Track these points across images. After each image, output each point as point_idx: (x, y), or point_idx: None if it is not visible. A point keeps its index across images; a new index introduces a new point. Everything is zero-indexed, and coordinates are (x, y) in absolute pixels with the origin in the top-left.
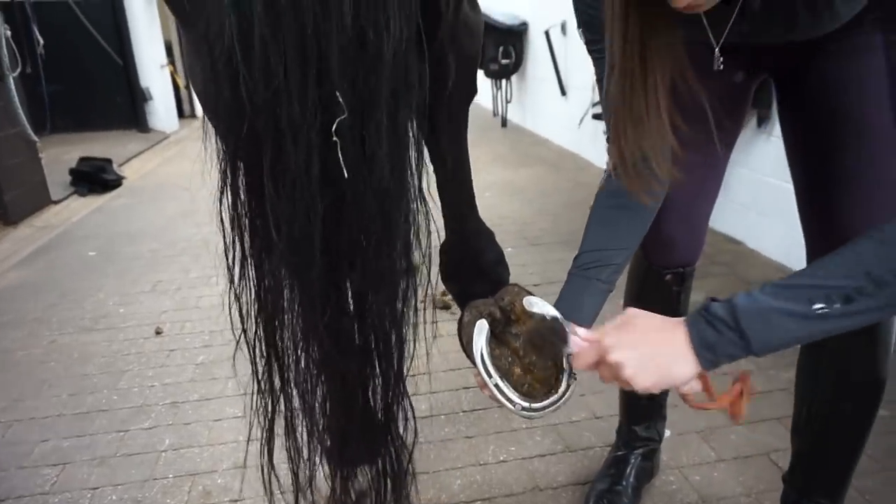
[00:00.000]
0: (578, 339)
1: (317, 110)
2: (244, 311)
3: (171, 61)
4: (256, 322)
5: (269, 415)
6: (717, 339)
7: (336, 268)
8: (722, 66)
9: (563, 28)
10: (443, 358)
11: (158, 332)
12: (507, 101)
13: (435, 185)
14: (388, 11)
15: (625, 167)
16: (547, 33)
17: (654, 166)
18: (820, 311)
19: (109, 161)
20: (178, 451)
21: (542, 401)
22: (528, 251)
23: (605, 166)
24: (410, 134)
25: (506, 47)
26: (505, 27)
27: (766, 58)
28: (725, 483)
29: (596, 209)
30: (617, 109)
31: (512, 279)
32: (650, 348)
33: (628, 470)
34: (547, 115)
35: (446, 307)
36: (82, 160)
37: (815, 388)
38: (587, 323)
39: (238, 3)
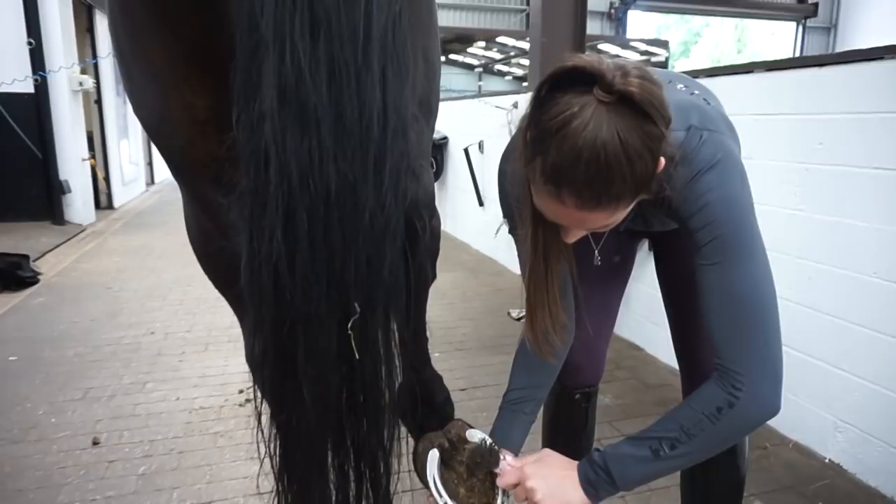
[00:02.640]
0: (506, 463)
1: (336, 308)
2: (271, 452)
3: (93, 154)
4: (280, 459)
5: None
6: (595, 478)
7: (341, 417)
8: (599, 263)
9: (481, 147)
10: None
11: (96, 443)
12: None
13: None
14: (385, 248)
15: (535, 338)
16: (466, 151)
17: (554, 338)
18: (656, 455)
19: (26, 257)
20: None
21: None
22: (454, 356)
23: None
24: (395, 322)
25: None
26: None
27: (638, 233)
28: None
29: (519, 353)
30: (527, 297)
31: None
32: (556, 481)
33: None
34: (466, 222)
35: None
36: None
37: (694, 490)
38: (517, 448)
39: (286, 236)
